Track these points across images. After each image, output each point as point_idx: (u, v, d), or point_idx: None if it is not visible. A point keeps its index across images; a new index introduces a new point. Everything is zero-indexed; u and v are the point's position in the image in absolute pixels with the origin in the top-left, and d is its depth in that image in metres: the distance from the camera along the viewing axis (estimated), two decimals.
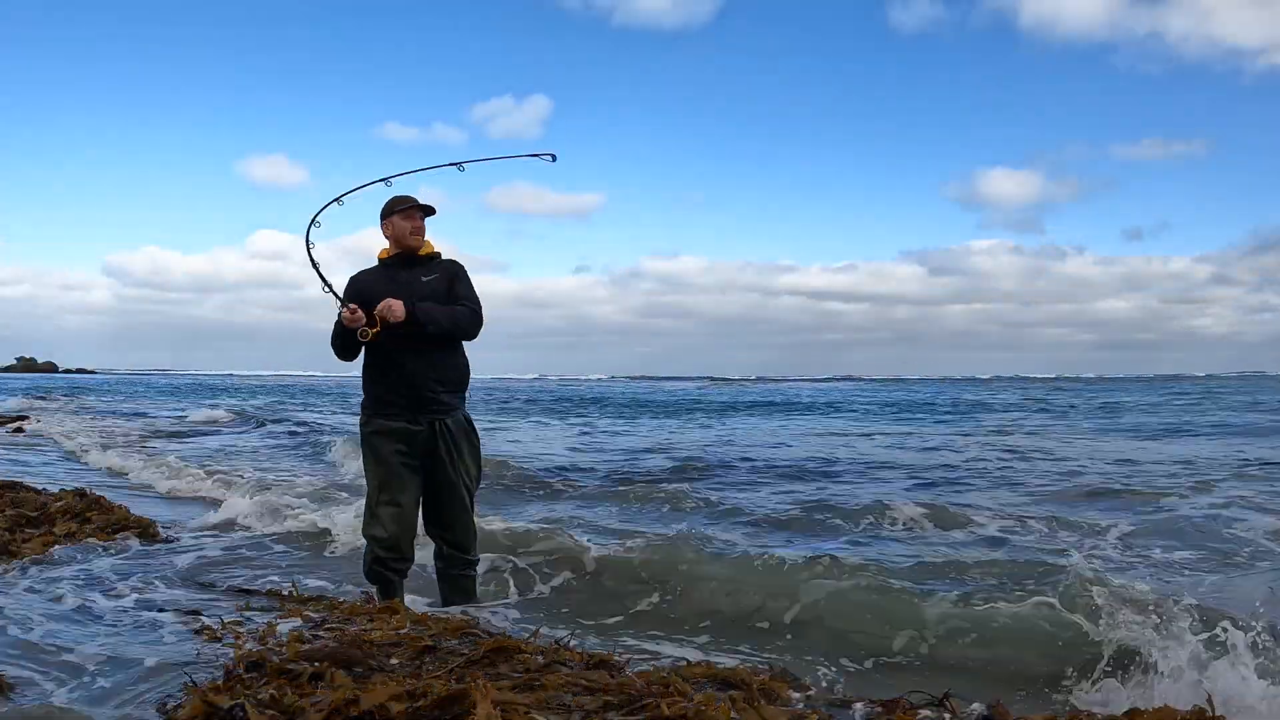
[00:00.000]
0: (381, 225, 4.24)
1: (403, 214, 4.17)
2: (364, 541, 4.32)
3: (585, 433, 16.88)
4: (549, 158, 4.53)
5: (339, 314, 4.16)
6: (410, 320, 3.98)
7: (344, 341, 4.19)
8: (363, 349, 4.19)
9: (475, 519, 4.44)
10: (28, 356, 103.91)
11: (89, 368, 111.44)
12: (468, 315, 4.16)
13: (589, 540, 5.34)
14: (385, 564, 4.17)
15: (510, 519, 6.05)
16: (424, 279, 4.15)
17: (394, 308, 3.95)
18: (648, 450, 12.68)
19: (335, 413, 23.97)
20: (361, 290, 4.18)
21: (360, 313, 3.98)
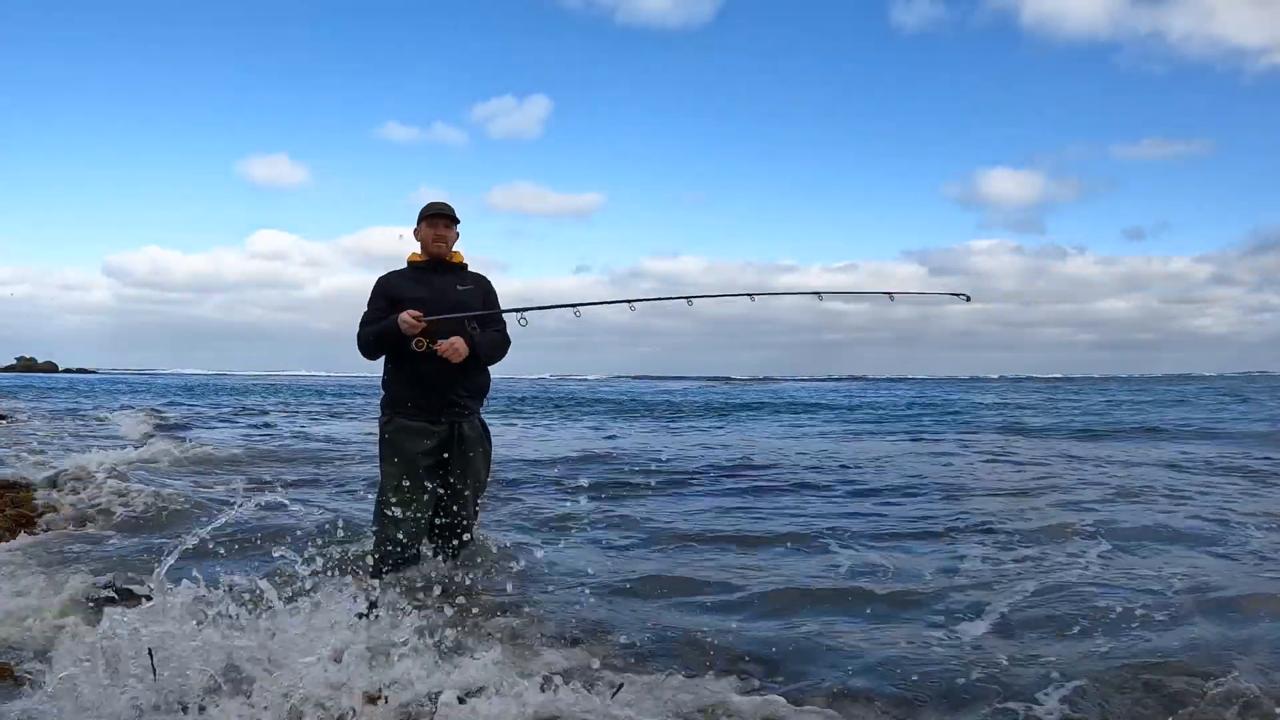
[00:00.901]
0: (414, 230, 4.39)
1: (429, 221, 4.32)
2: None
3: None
4: (964, 297, 5.20)
5: (378, 316, 4.20)
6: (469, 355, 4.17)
7: (387, 345, 4.22)
8: (387, 349, 4.27)
9: (476, 525, 4.51)
10: (28, 356, 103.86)
11: (89, 367, 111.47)
12: (501, 343, 4.37)
13: None
14: (391, 560, 4.19)
15: None
16: (459, 288, 4.30)
17: (459, 349, 4.11)
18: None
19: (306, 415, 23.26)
20: (392, 292, 4.26)
21: (423, 321, 4.08)
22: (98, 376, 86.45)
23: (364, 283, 4.44)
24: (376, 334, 4.21)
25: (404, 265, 4.41)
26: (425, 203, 4.41)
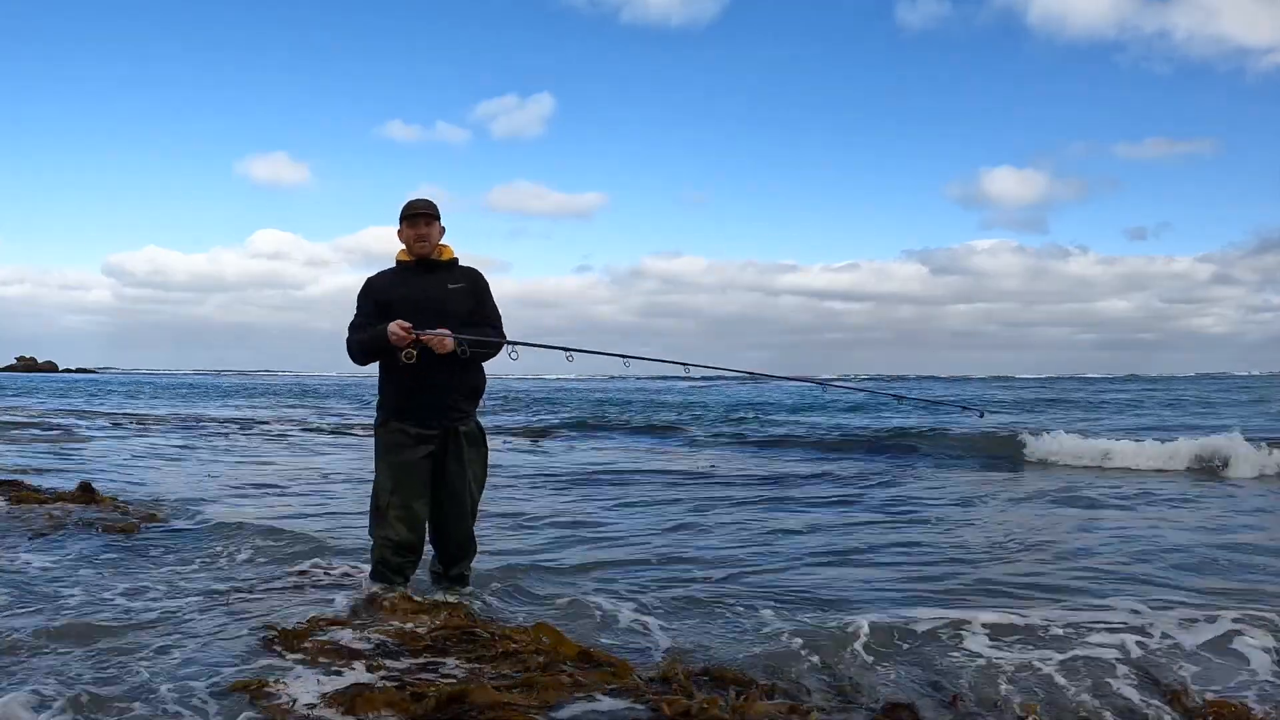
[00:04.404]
0: (397, 231, 4.21)
1: (408, 221, 4.13)
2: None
3: None
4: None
5: (367, 320, 4.06)
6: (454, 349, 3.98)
7: (375, 354, 4.09)
8: (377, 356, 4.13)
9: (475, 531, 4.43)
10: (28, 356, 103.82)
11: (89, 367, 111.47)
12: (494, 338, 4.16)
13: None
14: (391, 565, 4.16)
15: None
16: (449, 286, 4.12)
17: (445, 342, 3.93)
18: None
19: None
20: (379, 294, 4.12)
21: (413, 332, 3.90)
22: (103, 376, 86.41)
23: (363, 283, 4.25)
24: (365, 342, 4.08)
25: (392, 265, 4.24)
26: (405, 202, 4.20)
